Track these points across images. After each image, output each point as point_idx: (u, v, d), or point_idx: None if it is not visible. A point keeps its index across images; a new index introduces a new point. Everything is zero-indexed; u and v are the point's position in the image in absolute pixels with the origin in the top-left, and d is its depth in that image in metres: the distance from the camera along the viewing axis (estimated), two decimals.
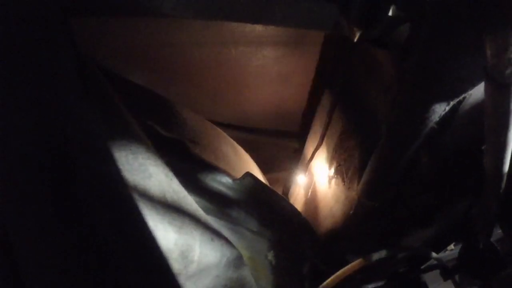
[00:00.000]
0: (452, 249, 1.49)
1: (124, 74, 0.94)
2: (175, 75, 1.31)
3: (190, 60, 1.26)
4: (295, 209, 1.25)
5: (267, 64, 1.33)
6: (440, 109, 0.88)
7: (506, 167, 0.74)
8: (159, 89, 1.04)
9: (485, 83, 0.63)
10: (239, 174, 1.06)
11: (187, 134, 0.97)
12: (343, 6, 0.91)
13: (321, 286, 1.44)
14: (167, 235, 0.61)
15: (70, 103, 0.58)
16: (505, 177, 0.77)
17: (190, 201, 0.72)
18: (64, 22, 0.61)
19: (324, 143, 1.45)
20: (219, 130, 1.24)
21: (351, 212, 1.28)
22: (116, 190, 0.54)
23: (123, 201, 0.54)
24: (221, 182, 1.02)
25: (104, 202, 0.52)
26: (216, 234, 0.75)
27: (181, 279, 0.68)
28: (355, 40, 0.92)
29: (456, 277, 1.31)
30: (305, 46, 1.32)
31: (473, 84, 0.86)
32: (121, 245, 0.51)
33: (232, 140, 1.30)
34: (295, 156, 1.78)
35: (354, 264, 1.43)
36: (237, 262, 0.81)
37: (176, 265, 0.64)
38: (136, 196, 0.58)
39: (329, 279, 1.44)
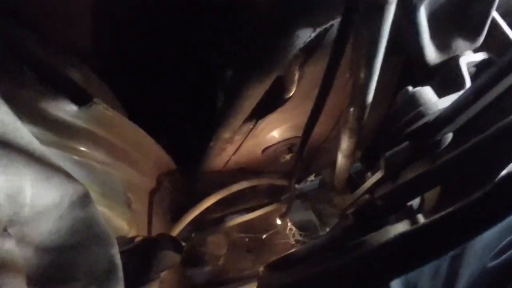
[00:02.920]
0: (313, 180, 1.58)
1: None
2: None
3: None
4: (151, 141, 1.22)
5: None
6: (305, 35, 0.88)
7: (369, 99, 0.77)
8: None
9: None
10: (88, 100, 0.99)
11: (27, 56, 0.87)
12: None
13: (182, 218, 1.46)
14: None
15: None
16: (367, 110, 0.80)
17: (22, 134, 0.64)
18: None
19: None
20: (67, 52, 1.12)
21: (211, 144, 1.28)
22: None
23: None
24: (65, 110, 0.93)
25: None
26: (54, 171, 0.68)
27: (15, 227, 0.62)
28: None
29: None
30: None
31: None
32: None
33: (84, 66, 1.19)
34: None
35: (214, 195, 1.47)
36: (83, 200, 0.75)
37: (4, 211, 0.58)
38: None
39: (190, 211, 1.46)
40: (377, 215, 0.86)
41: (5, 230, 0.60)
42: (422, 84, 0.81)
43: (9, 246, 0.61)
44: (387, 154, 0.84)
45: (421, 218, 0.87)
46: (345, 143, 0.91)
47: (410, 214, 0.86)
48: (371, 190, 0.92)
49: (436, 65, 0.90)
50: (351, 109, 0.81)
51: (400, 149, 0.83)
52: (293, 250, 1.06)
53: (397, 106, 0.81)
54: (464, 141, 0.63)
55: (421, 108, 0.76)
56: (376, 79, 0.73)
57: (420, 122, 0.77)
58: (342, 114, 0.89)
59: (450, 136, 0.77)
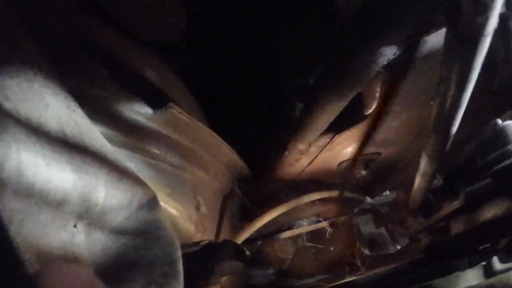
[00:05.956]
0: (387, 195, 1.57)
1: None
2: None
3: None
4: (225, 145, 1.25)
5: None
6: (390, 53, 0.88)
7: (453, 130, 0.75)
8: None
9: (447, 31, 0.61)
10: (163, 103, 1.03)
11: (100, 55, 0.91)
12: None
13: (250, 224, 1.49)
14: (64, 175, 0.59)
15: None
16: (451, 139, 0.78)
17: (95, 136, 0.70)
18: None
19: None
20: (144, 50, 1.17)
21: (285, 154, 1.30)
22: None
23: None
24: (139, 113, 0.99)
25: None
26: (125, 172, 0.74)
27: (84, 225, 0.67)
28: None
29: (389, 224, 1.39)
30: None
31: (431, 30, 0.85)
32: None
33: (161, 65, 1.24)
34: None
35: (286, 205, 1.49)
36: (151, 203, 0.80)
37: (76, 208, 0.63)
38: (28, 132, 0.56)
39: (259, 218, 1.49)
40: (450, 256, 0.84)
41: (75, 226, 0.66)
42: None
43: (79, 241, 0.66)
44: (468, 189, 0.82)
45: (496, 263, 0.84)
46: (424, 168, 0.90)
47: (484, 257, 0.83)
48: (445, 219, 0.90)
49: None
50: (434, 137, 0.80)
51: (482, 185, 0.81)
52: (357, 275, 1.06)
53: (484, 139, 0.79)
54: None
55: (510, 146, 0.74)
56: (463, 111, 0.71)
57: (508, 162, 0.74)
58: (424, 138, 0.87)
59: None
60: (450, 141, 0.81)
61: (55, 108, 0.63)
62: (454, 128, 0.76)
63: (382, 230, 1.51)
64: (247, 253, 1.07)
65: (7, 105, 0.55)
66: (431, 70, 0.99)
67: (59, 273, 0.56)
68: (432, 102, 0.78)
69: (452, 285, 0.81)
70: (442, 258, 0.88)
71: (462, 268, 0.82)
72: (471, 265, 0.84)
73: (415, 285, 0.85)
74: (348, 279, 1.09)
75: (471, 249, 0.85)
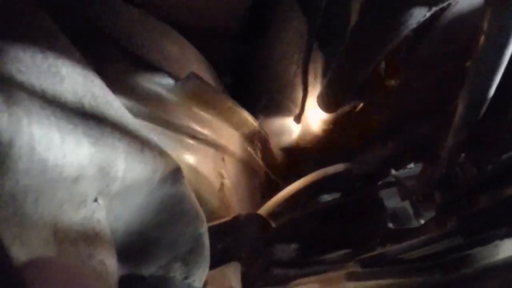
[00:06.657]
0: (412, 168, 1.53)
1: None
2: None
3: None
4: (248, 116, 1.22)
5: None
6: (420, 15, 0.82)
7: (491, 93, 0.71)
8: None
9: None
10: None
11: (122, 29, 0.90)
12: None
13: (275, 196, 1.47)
14: (80, 149, 0.56)
15: None
16: (487, 104, 0.73)
17: (115, 107, 0.66)
18: None
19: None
20: (164, 25, 1.15)
21: (309, 121, 1.26)
22: None
23: None
24: (161, 84, 0.97)
25: None
26: (147, 144, 0.70)
27: (104, 200, 0.65)
28: None
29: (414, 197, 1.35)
30: None
31: None
32: None
33: (182, 38, 1.21)
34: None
35: (309, 177, 1.45)
36: (175, 176, 0.77)
37: (95, 183, 0.60)
38: (42, 104, 0.53)
39: (284, 191, 1.46)
40: (485, 226, 0.80)
41: (95, 200, 0.63)
42: None
43: (100, 216, 0.64)
44: (504, 156, 0.77)
45: None
46: (455, 135, 0.85)
47: None
48: (473, 191, 0.86)
49: None
50: (468, 99, 0.75)
51: None
52: (387, 248, 1.03)
53: None
54: None
55: None
56: (502, 72, 0.66)
57: None
58: (454, 104, 0.82)
59: None
60: (485, 105, 0.76)
61: (72, 80, 0.60)
62: (491, 91, 0.71)
63: (406, 203, 1.47)
64: (273, 225, 1.04)
65: (20, 77, 0.52)
66: (462, 32, 0.94)
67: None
68: (468, 63, 0.73)
69: (492, 255, 0.77)
70: (475, 229, 0.84)
71: (501, 237, 0.79)
72: (508, 235, 0.80)
73: (452, 255, 0.82)
74: (377, 251, 1.05)
75: (504, 220, 0.81)
